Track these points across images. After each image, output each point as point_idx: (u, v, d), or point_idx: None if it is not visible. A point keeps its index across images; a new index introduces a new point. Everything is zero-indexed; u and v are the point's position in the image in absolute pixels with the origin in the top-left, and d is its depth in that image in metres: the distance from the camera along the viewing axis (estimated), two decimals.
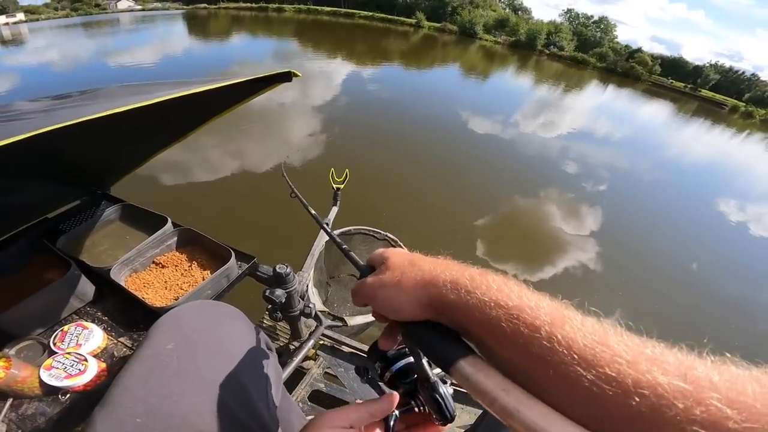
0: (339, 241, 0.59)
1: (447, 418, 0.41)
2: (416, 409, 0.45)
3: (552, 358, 0.25)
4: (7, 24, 34.62)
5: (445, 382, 0.43)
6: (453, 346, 0.33)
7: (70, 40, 19.47)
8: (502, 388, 0.27)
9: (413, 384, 0.46)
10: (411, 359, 0.48)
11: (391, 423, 0.45)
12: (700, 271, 4.51)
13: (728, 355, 0.22)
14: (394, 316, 0.39)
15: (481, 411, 1.05)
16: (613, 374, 0.22)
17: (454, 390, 0.45)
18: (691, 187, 8.13)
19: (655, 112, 20.86)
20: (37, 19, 38.55)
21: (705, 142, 15.69)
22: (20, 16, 38.65)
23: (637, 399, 0.21)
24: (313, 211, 0.71)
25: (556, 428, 0.23)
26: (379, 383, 0.52)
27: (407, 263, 0.40)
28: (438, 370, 0.44)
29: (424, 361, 0.44)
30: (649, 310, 3.54)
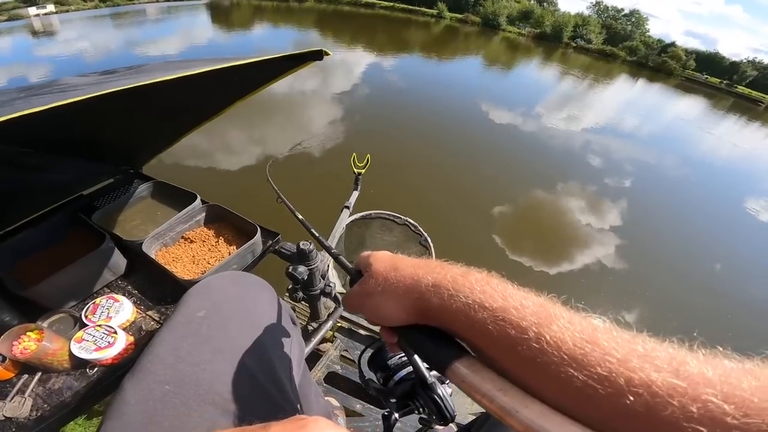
0: (327, 245, 0.59)
1: (447, 418, 0.42)
2: (416, 411, 0.45)
3: (542, 360, 0.24)
4: (38, 15, 35.74)
5: (443, 383, 0.44)
6: (447, 348, 0.32)
7: (100, 31, 20.03)
8: (499, 388, 0.27)
9: (412, 386, 0.46)
10: (411, 368, 0.48)
11: (392, 422, 0.45)
12: (724, 272, 4.34)
13: (720, 348, 0.22)
14: (384, 323, 0.39)
15: (479, 413, 1.05)
16: (605, 373, 0.22)
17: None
18: (721, 185, 7.79)
19: (688, 108, 19.98)
20: (67, 10, 39.59)
21: (740, 138, 14.95)
22: (51, 7, 39.64)
23: (632, 398, 0.20)
24: (300, 216, 0.69)
25: (555, 427, 0.23)
26: (380, 393, 0.51)
27: (390, 269, 0.39)
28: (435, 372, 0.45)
29: (421, 363, 0.44)
30: (668, 308, 3.45)
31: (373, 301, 0.39)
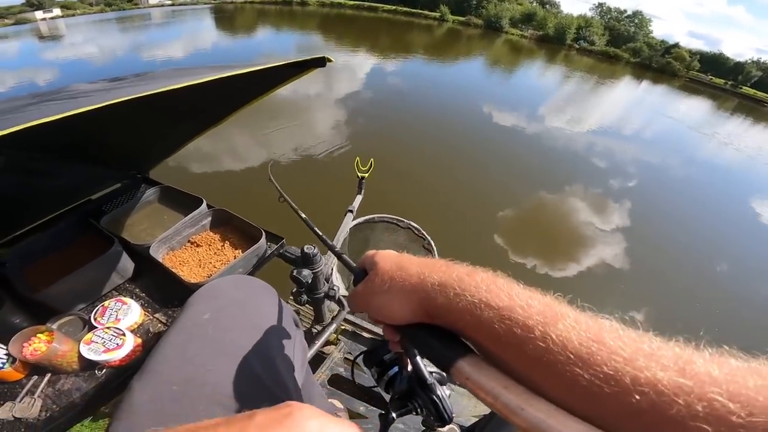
0: (331, 243, 0.59)
1: (445, 419, 0.42)
2: (414, 412, 0.45)
3: (548, 359, 0.24)
4: (44, 19, 36.13)
5: (442, 384, 0.44)
6: (451, 347, 0.32)
7: (106, 35, 20.23)
8: (504, 386, 0.27)
9: (410, 386, 0.46)
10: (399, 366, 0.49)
11: (388, 421, 0.45)
12: (731, 273, 4.31)
13: (726, 347, 0.22)
14: (389, 321, 0.39)
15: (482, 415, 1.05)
16: (611, 372, 0.22)
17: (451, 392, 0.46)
18: (725, 186, 7.72)
19: (692, 109, 19.86)
20: (73, 15, 39.99)
21: (747, 139, 14.82)
22: (57, 11, 40.11)
23: (638, 396, 0.20)
24: (303, 215, 0.70)
25: (561, 425, 0.23)
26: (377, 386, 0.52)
27: (395, 268, 0.39)
28: (434, 371, 0.45)
29: (421, 363, 0.44)
30: (674, 308, 3.43)
31: (378, 299, 0.39)
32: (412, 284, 0.36)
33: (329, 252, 1.28)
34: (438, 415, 0.42)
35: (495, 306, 0.29)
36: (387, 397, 0.52)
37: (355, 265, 0.48)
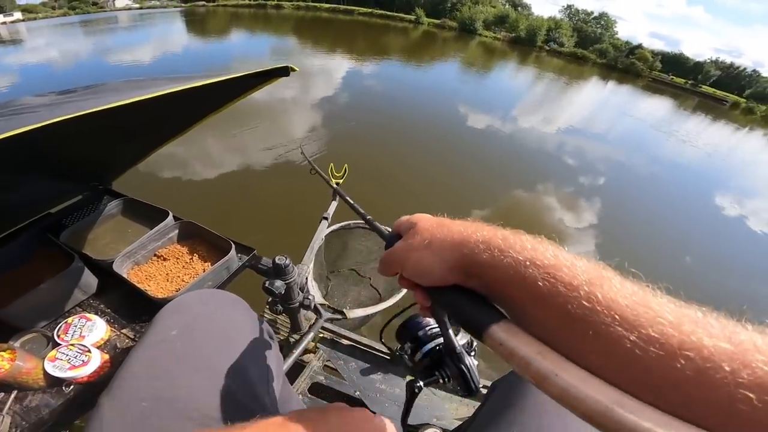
0: (362, 212, 0.63)
1: (472, 389, 0.41)
2: (440, 381, 0.44)
3: (592, 319, 0.23)
4: (4, 23, 34.36)
5: (469, 354, 0.43)
6: (485, 311, 0.32)
7: (69, 39, 19.36)
8: (538, 352, 0.26)
9: (438, 355, 0.45)
10: (441, 340, 0.47)
11: (416, 390, 0.44)
12: (695, 265, 4.53)
13: None
14: (423, 280, 0.38)
15: (478, 404, 1.07)
16: (657, 335, 0.21)
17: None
18: (690, 182, 8.13)
19: (656, 108, 20.80)
20: (35, 18, 38.29)
21: (707, 137, 15.66)
22: (18, 15, 38.33)
23: (683, 361, 0.20)
24: (334, 184, 0.77)
25: (596, 392, 0.22)
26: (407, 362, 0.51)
27: (436, 225, 0.39)
28: (464, 341, 0.45)
29: (451, 331, 0.43)
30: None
31: (417, 255, 0.37)
32: (454, 240, 0.35)
33: (303, 263, 1.26)
34: (465, 385, 0.42)
35: (540, 264, 0.28)
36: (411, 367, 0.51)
37: (386, 230, 0.48)
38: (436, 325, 0.49)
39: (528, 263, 0.28)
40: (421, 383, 0.45)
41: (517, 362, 0.27)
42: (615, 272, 0.27)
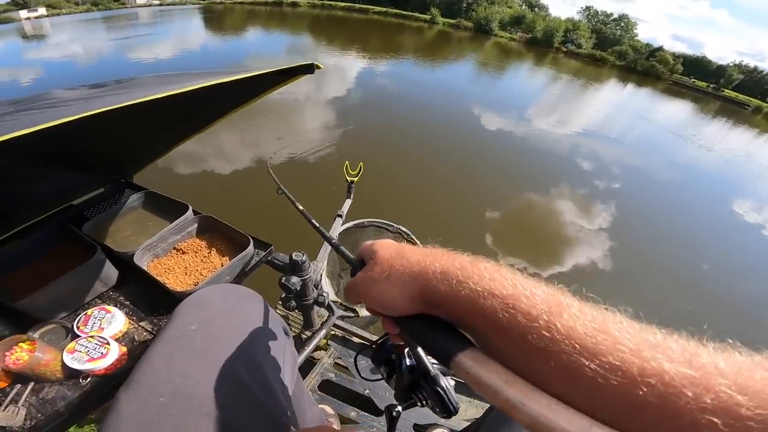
0: (328, 235, 0.59)
1: (450, 411, 0.41)
2: (419, 404, 0.44)
3: (553, 348, 0.24)
4: (29, 18, 35.41)
5: (446, 375, 0.43)
6: (450, 339, 0.31)
7: (92, 35, 19.85)
8: (505, 381, 0.26)
9: (414, 378, 0.45)
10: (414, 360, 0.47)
11: (394, 416, 0.44)
12: (712, 272, 4.41)
13: (729, 341, 0.21)
14: (388, 311, 0.38)
15: (488, 405, 1.06)
16: (617, 363, 0.21)
17: (456, 382, 0.45)
18: (708, 188, 7.91)
19: (676, 112, 20.29)
20: (59, 14, 39.29)
21: (728, 141, 15.21)
22: (42, 10, 39.37)
23: (644, 388, 0.20)
24: (300, 207, 0.70)
25: (562, 419, 0.22)
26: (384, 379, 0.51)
27: (395, 255, 0.38)
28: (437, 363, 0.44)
29: (423, 354, 0.43)
30: (659, 308, 3.49)
31: (378, 288, 0.37)
32: (413, 272, 0.35)
33: (318, 259, 1.27)
34: (443, 406, 0.42)
35: (499, 294, 0.28)
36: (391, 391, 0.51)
37: (353, 256, 0.47)
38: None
39: (486, 294, 0.28)
40: (400, 408, 0.44)
41: (484, 391, 0.27)
42: (574, 298, 0.27)
